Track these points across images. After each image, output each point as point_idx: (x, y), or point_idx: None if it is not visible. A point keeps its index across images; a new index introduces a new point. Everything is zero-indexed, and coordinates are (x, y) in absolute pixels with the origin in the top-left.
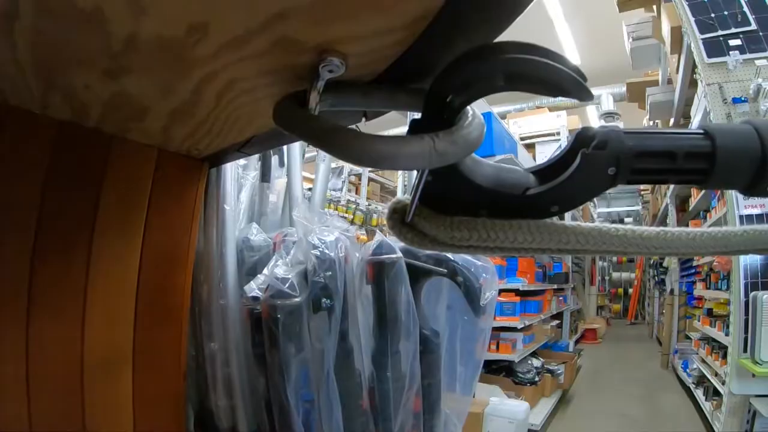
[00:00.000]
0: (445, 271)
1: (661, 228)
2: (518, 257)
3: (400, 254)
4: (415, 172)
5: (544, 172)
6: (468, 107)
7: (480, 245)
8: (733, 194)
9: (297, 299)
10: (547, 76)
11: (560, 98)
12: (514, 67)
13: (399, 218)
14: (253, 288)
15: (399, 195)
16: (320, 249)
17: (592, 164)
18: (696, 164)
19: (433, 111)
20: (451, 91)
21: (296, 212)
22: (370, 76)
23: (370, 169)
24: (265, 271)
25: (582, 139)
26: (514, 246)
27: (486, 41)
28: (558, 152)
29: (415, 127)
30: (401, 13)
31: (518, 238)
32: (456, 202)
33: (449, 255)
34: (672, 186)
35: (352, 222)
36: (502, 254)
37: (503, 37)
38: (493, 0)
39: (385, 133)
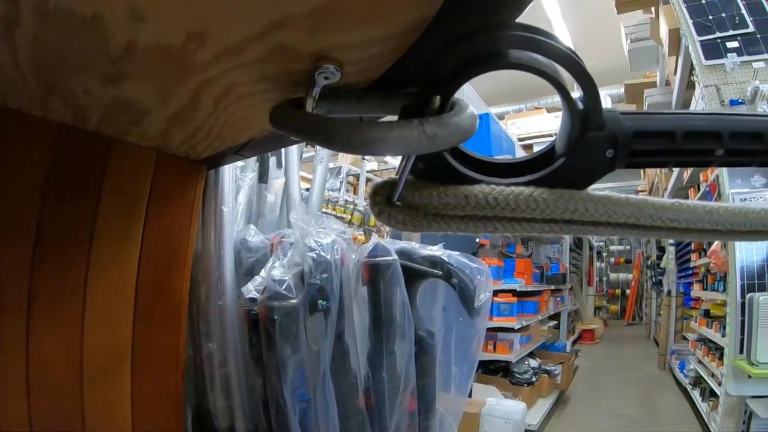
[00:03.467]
0: (440, 273)
1: (676, 199)
2: (519, 238)
3: (395, 256)
4: None
5: (539, 160)
6: (459, 99)
7: (477, 214)
8: (729, 193)
9: (294, 301)
10: (545, 54)
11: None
12: (512, 44)
13: (384, 200)
14: (251, 289)
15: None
16: (317, 251)
17: (591, 146)
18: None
19: (425, 96)
20: (446, 70)
21: (293, 214)
22: (366, 83)
23: (368, 168)
24: (263, 272)
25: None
26: (515, 215)
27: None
28: (559, 131)
29: (405, 114)
30: (396, 22)
31: (520, 205)
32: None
33: (444, 258)
34: (671, 184)
35: (350, 222)
36: (502, 228)
37: None
38: (487, 7)
39: None
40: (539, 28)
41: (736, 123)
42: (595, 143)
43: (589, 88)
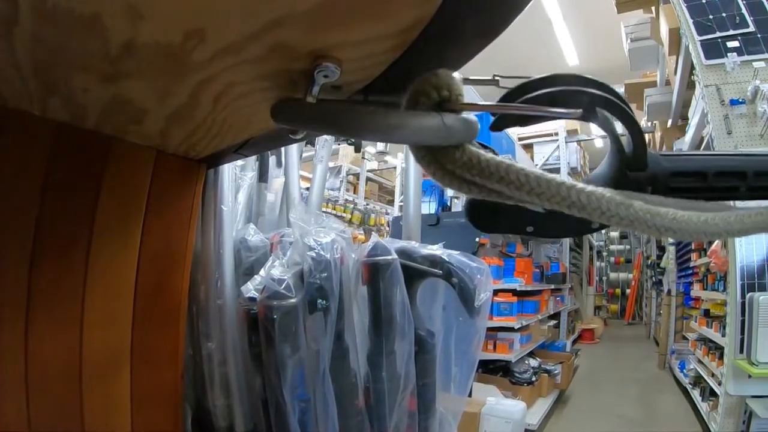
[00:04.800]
0: (440, 272)
1: (672, 209)
2: (520, 238)
3: (395, 256)
4: (412, 175)
5: None
6: None
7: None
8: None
9: (293, 300)
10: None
11: None
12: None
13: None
14: (250, 289)
15: (397, 195)
16: (316, 250)
17: (632, 184)
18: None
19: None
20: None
21: (293, 214)
22: (366, 81)
23: (368, 168)
24: (262, 272)
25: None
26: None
27: (480, 46)
28: (598, 168)
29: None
30: (396, 20)
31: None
32: None
33: (444, 257)
34: None
35: (350, 221)
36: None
37: (501, 38)
38: (486, 5)
39: None
40: (601, 82)
41: (760, 163)
42: (637, 182)
43: (638, 136)
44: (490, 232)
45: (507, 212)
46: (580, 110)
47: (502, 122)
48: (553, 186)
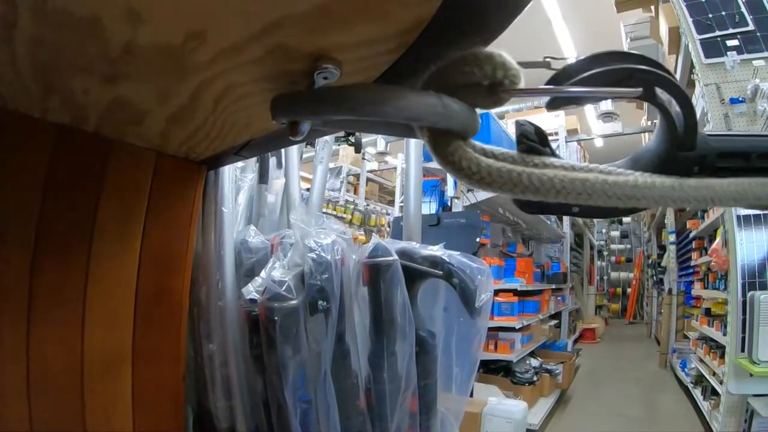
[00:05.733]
0: (441, 273)
1: (638, 176)
2: (520, 237)
3: (396, 257)
4: (412, 175)
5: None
6: None
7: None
8: None
9: (294, 302)
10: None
11: None
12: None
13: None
14: (251, 290)
15: (398, 196)
16: (317, 252)
17: (680, 164)
18: None
19: None
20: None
21: (293, 215)
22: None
23: (368, 168)
24: (263, 273)
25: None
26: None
27: (479, 47)
28: (646, 146)
29: None
30: (395, 22)
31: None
32: None
33: (445, 257)
34: None
35: (350, 222)
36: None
37: (501, 38)
38: (485, 7)
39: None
40: (662, 65)
41: None
42: (685, 162)
43: (692, 118)
44: (537, 213)
45: None
46: (641, 89)
47: (556, 102)
48: (504, 173)
